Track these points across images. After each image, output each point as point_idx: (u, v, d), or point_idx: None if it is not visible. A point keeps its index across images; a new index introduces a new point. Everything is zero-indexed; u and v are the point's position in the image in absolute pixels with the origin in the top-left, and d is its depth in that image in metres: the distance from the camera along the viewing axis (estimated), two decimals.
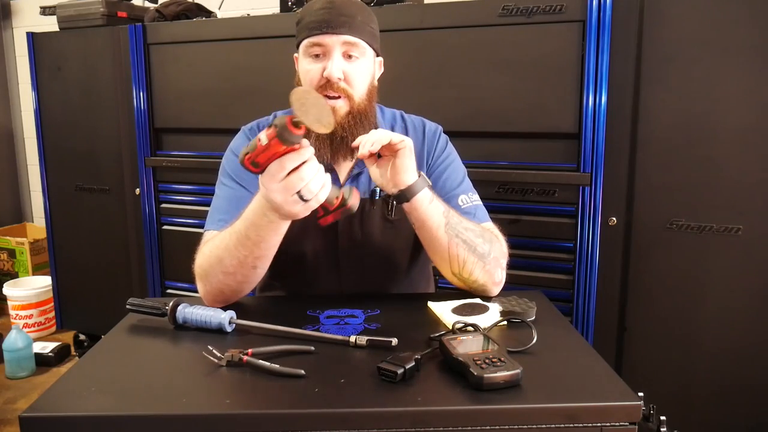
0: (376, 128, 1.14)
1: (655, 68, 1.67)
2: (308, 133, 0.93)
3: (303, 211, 0.99)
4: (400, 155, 1.08)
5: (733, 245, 1.65)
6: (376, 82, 1.27)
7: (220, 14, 2.43)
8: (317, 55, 1.19)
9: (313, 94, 0.96)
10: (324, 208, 1.00)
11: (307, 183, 0.95)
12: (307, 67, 1.20)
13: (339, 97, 1.19)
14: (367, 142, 1.06)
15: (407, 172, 1.09)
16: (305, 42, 1.20)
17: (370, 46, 1.22)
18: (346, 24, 1.17)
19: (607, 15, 1.67)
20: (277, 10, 2.22)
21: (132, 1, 2.57)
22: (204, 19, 2.35)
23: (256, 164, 0.95)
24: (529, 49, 1.78)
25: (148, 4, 2.58)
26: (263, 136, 0.92)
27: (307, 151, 0.95)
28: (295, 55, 1.28)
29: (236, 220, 1.10)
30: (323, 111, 0.93)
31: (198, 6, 2.47)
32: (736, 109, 1.61)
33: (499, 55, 1.81)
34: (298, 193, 0.96)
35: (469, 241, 1.15)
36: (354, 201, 1.01)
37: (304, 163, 0.95)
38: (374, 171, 1.14)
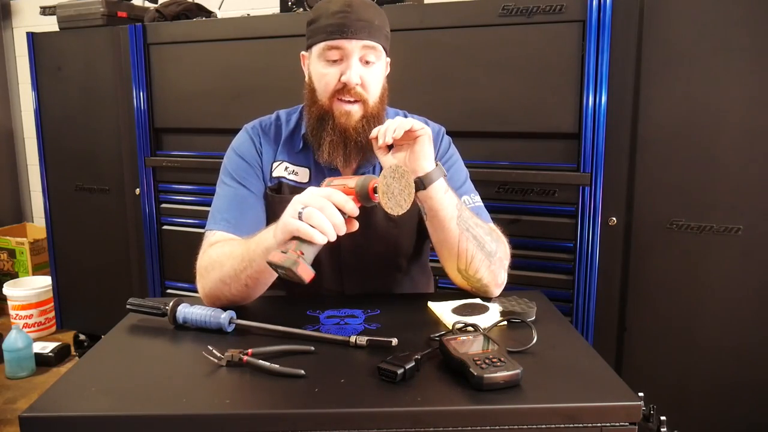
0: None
1: (655, 68, 1.67)
2: (368, 197, 0.98)
3: (288, 221, 0.96)
4: (419, 141, 1.09)
5: (733, 245, 1.65)
6: (386, 83, 1.27)
7: (220, 14, 2.43)
8: (334, 60, 1.18)
9: (410, 178, 0.99)
10: (292, 266, 0.93)
11: (321, 213, 0.94)
12: (322, 71, 1.19)
13: (354, 102, 1.19)
14: (389, 130, 1.07)
15: (426, 158, 1.09)
16: (322, 45, 1.18)
17: (384, 49, 1.22)
18: (365, 29, 1.16)
19: (607, 15, 1.67)
20: (277, 10, 2.22)
21: (132, 1, 2.57)
22: (204, 19, 2.34)
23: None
24: (529, 49, 1.78)
25: (148, 4, 2.58)
26: (353, 177, 1.03)
27: (354, 209, 0.98)
28: (303, 53, 1.27)
29: (254, 234, 1.10)
30: (404, 196, 0.98)
31: (198, 6, 2.47)
32: (736, 109, 1.61)
33: (499, 55, 1.81)
34: (307, 209, 0.95)
35: (478, 237, 1.15)
36: (304, 275, 0.93)
37: (339, 208, 0.96)
38: (389, 160, 1.13)
